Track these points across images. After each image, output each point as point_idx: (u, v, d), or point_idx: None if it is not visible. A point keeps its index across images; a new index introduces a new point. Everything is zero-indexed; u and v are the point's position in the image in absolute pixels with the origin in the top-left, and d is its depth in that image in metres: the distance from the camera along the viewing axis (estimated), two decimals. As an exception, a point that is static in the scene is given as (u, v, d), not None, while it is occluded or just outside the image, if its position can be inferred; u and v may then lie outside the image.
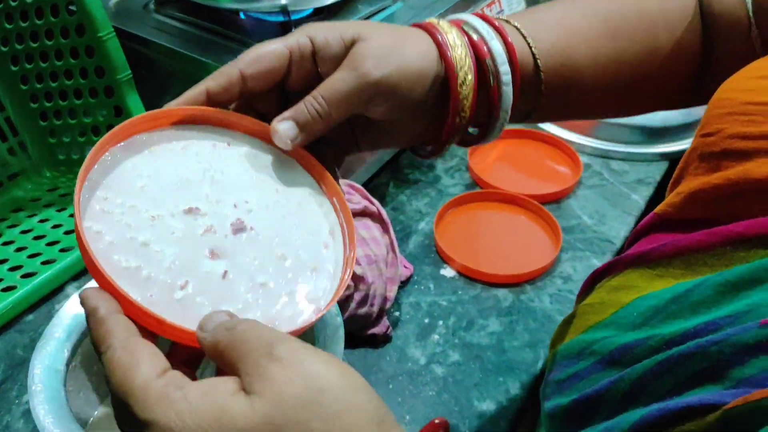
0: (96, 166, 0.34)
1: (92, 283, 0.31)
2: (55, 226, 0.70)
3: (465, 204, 0.76)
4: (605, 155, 0.84)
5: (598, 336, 0.45)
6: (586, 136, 0.85)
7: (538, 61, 0.44)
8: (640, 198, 0.78)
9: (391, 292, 0.62)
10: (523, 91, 0.44)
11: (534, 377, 0.59)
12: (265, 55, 0.38)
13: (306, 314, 0.33)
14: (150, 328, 0.30)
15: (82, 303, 0.30)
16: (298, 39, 0.39)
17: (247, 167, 0.38)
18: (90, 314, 0.30)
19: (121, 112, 0.69)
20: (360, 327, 0.61)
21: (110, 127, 0.71)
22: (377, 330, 0.61)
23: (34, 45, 0.69)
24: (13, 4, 0.67)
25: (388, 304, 0.62)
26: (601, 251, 0.71)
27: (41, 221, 0.71)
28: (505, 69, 0.41)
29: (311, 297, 0.34)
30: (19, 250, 0.67)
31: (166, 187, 0.35)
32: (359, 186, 0.66)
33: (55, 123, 0.74)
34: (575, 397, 0.44)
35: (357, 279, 0.59)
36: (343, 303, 0.59)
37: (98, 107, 0.71)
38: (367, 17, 0.78)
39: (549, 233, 0.72)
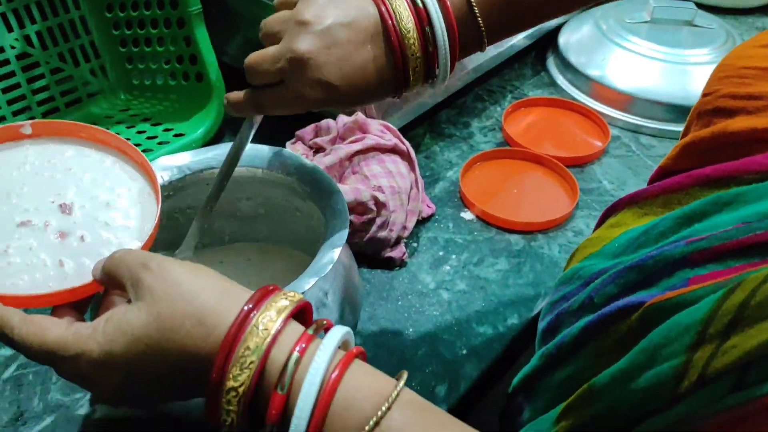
0: None
1: None
2: (124, 139, 0.78)
3: (493, 159, 0.81)
4: (636, 130, 0.88)
5: (587, 264, 0.51)
6: (619, 110, 0.89)
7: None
8: (662, 171, 0.81)
9: (410, 223, 0.69)
10: (463, 47, 0.47)
11: (531, 312, 0.64)
12: None
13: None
14: (32, 306, 0.40)
15: None
16: None
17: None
18: None
19: (189, 43, 0.77)
20: (378, 249, 0.67)
21: (180, 57, 0.80)
22: (394, 254, 0.67)
23: (121, -24, 0.78)
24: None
25: (406, 233, 0.68)
26: (615, 212, 0.75)
27: (112, 134, 0.80)
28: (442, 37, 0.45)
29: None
30: (90, 155, 0.76)
31: None
32: (393, 127, 0.72)
33: (132, 50, 0.83)
34: (554, 314, 0.50)
35: (380, 205, 0.65)
36: (365, 225, 0.65)
37: (170, 37, 0.79)
38: None
39: (567, 190, 0.77)
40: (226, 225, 0.62)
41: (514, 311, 0.64)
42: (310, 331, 0.36)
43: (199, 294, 0.36)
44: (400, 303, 0.64)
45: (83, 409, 0.54)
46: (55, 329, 0.37)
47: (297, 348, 0.34)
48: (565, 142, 0.86)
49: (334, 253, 0.47)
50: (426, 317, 0.63)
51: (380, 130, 0.71)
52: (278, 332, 0.35)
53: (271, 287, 0.38)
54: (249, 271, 0.61)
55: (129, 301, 0.38)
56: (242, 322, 0.35)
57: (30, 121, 0.48)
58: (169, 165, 0.55)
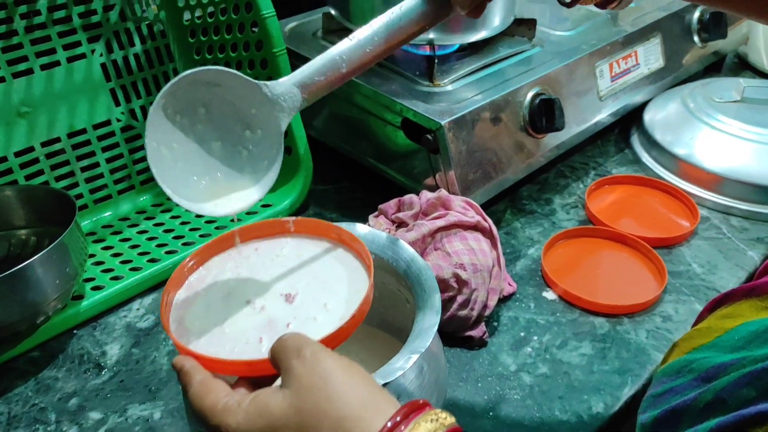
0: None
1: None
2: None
3: (576, 237, 0.80)
4: (726, 211, 0.85)
5: (699, 356, 0.49)
6: (708, 190, 0.86)
7: None
8: (756, 255, 0.78)
9: (492, 301, 0.68)
10: None
11: (618, 401, 0.61)
12: None
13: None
14: (217, 371, 0.42)
15: (174, 364, 0.42)
16: None
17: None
18: (179, 369, 0.41)
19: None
20: (458, 328, 0.66)
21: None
22: (475, 333, 0.66)
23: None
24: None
25: (487, 312, 0.67)
26: (707, 298, 0.72)
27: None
28: None
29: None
30: (183, 223, 0.79)
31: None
32: (475, 203, 0.72)
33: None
34: (665, 408, 0.48)
35: (461, 283, 0.65)
36: (446, 304, 0.65)
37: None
38: (505, 58, 0.86)
39: (654, 273, 0.75)
40: None
41: (600, 399, 0.61)
42: None
43: (345, 395, 0.35)
44: (480, 385, 0.63)
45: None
46: (213, 396, 0.39)
47: None
48: (651, 221, 0.84)
49: (429, 333, 0.47)
50: (507, 402, 0.61)
51: (463, 207, 0.71)
52: None
53: (422, 401, 0.36)
54: (354, 350, 0.62)
55: (281, 386, 0.38)
56: (397, 426, 0.33)
57: (293, 219, 0.54)
58: None
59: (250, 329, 0.46)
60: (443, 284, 0.65)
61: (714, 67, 1.19)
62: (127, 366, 0.65)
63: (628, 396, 0.62)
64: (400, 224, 0.73)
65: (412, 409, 0.35)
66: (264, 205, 0.82)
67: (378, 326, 0.63)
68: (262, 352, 0.44)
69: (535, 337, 0.68)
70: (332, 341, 0.42)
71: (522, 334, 0.68)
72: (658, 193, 0.88)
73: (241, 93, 0.45)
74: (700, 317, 0.57)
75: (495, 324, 0.69)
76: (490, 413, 0.60)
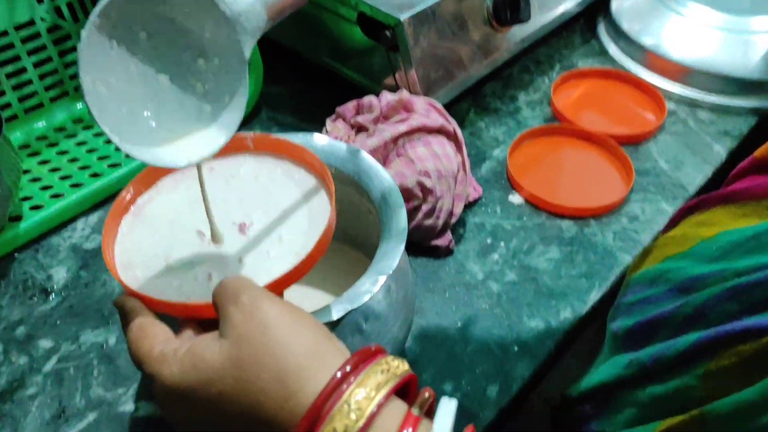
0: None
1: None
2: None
3: (541, 136, 0.77)
4: (693, 104, 0.83)
5: (673, 266, 0.47)
6: (675, 82, 0.83)
7: None
8: (722, 149, 0.77)
9: (457, 209, 0.65)
10: None
11: (586, 305, 0.61)
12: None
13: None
14: (172, 314, 0.39)
15: (114, 304, 0.39)
16: None
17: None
18: (119, 310, 0.39)
19: None
20: (424, 237, 0.64)
21: None
22: (440, 242, 0.64)
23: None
24: None
25: (453, 220, 0.65)
26: (673, 196, 0.71)
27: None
28: None
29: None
30: (108, 142, 0.73)
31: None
32: (439, 104, 0.68)
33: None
34: (639, 320, 0.47)
35: (426, 192, 0.62)
36: (411, 213, 0.62)
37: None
38: None
39: (621, 172, 0.73)
40: None
41: (567, 304, 0.61)
42: (415, 411, 0.31)
43: (287, 346, 0.32)
44: (447, 295, 0.61)
45: (126, 406, 0.53)
46: (149, 341, 0.36)
47: (405, 426, 0.30)
48: (618, 116, 0.81)
49: (396, 252, 0.45)
50: (475, 310, 0.60)
51: (425, 109, 0.67)
52: (373, 414, 0.30)
53: (374, 348, 0.33)
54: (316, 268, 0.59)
55: (219, 335, 0.34)
56: (331, 392, 0.30)
57: (252, 134, 0.49)
58: None
59: (199, 264, 0.42)
60: (407, 193, 0.62)
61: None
62: (75, 290, 0.61)
63: (595, 300, 0.62)
64: (360, 128, 0.69)
65: (362, 359, 0.32)
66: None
67: (341, 240, 0.60)
68: (210, 292, 0.39)
69: (502, 243, 0.66)
70: (283, 283, 0.38)
71: (489, 240, 0.66)
72: (625, 86, 0.85)
73: (191, 11, 0.37)
74: (673, 222, 0.55)
75: (461, 231, 0.67)
76: (459, 324, 0.59)
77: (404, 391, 0.33)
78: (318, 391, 0.30)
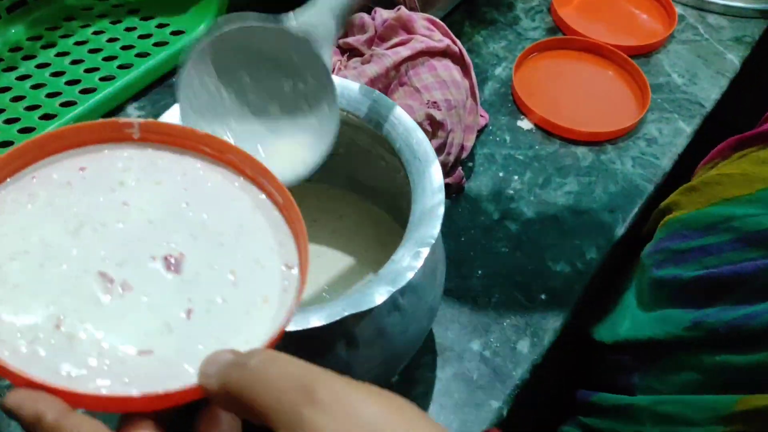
0: None
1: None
2: (111, 40, 0.65)
3: (546, 51, 0.70)
4: (701, 7, 0.76)
5: (738, 212, 0.42)
6: (683, -17, 0.77)
7: None
8: (735, 58, 0.71)
9: (469, 141, 0.59)
10: None
11: (611, 243, 0.57)
12: None
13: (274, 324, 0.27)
14: (95, 409, 0.24)
15: (17, 412, 0.23)
16: None
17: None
18: (17, 416, 0.23)
19: None
20: (434, 176, 0.58)
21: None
22: (451, 180, 0.58)
23: None
24: None
25: (465, 154, 0.59)
26: (690, 114, 0.66)
27: (95, 33, 0.66)
28: None
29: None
30: (75, 62, 0.63)
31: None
32: (440, 22, 0.60)
33: None
34: (700, 273, 0.42)
35: (436, 125, 0.55)
36: (420, 149, 0.56)
37: None
38: None
39: (635, 90, 0.67)
40: None
41: (591, 243, 0.56)
42: None
43: None
44: (463, 239, 0.56)
45: None
46: None
47: None
48: (625, 24, 0.74)
49: (435, 215, 0.38)
50: (495, 256, 0.55)
51: (427, 28, 0.59)
52: None
53: None
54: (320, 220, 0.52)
55: None
56: None
57: (139, 120, 0.31)
58: None
59: (118, 334, 0.26)
60: (416, 128, 0.55)
61: None
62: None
63: (621, 236, 0.57)
64: (351, 51, 0.61)
65: None
66: (175, 32, 0.66)
67: (345, 187, 0.53)
68: (158, 369, 0.25)
69: (516, 177, 0.61)
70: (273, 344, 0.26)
71: (501, 174, 0.61)
72: (629, -11, 0.78)
73: (274, 41, 0.35)
74: (720, 154, 0.50)
75: (470, 165, 0.61)
76: (479, 272, 0.54)
77: None
78: None
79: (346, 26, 0.62)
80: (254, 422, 0.22)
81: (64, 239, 0.27)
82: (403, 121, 0.44)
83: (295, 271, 0.30)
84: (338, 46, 0.61)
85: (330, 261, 0.50)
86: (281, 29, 0.35)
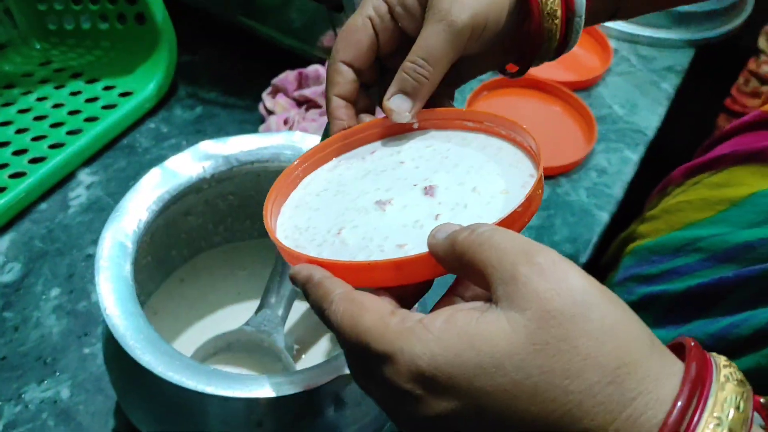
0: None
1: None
2: (56, 106, 0.63)
3: (495, 89, 0.72)
4: (633, 40, 0.80)
5: (703, 233, 0.44)
6: (613, 18, 0.81)
7: None
8: (669, 86, 0.75)
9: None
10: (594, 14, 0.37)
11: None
12: (353, 37, 0.36)
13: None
14: (364, 285, 0.29)
15: (294, 277, 0.30)
16: (373, 4, 0.35)
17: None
18: (306, 282, 0.29)
19: (124, -23, 0.62)
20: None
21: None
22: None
23: None
24: None
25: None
26: (635, 143, 0.69)
27: (39, 99, 0.64)
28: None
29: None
30: (20, 132, 0.61)
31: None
32: (395, 70, 0.61)
33: (45, -13, 0.66)
34: (683, 289, 0.44)
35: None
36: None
37: (98, -30, 0.63)
38: None
39: (582, 123, 0.70)
40: None
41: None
42: None
43: (618, 334, 0.22)
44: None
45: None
46: (373, 313, 0.26)
47: None
48: (566, 61, 0.76)
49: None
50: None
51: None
52: None
53: (706, 358, 0.23)
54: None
55: (484, 304, 0.24)
56: (688, 404, 0.21)
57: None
58: (214, 153, 0.44)
59: (382, 235, 0.33)
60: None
61: None
62: (4, 337, 0.51)
63: (583, 265, 0.59)
64: (307, 103, 0.61)
65: (701, 373, 0.22)
66: (123, 94, 0.65)
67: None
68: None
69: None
70: (513, 223, 0.29)
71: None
72: (564, 26, 0.81)
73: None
74: (672, 181, 0.53)
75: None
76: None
77: None
78: (668, 410, 0.21)
79: (302, 79, 0.62)
80: (471, 281, 0.26)
81: (354, 180, 0.37)
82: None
83: (534, 177, 0.33)
84: (295, 99, 0.62)
85: (309, 315, 0.49)
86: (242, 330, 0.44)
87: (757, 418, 0.23)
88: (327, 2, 0.61)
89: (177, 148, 0.63)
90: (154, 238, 0.44)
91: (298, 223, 0.35)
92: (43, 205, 0.58)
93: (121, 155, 0.62)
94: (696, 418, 0.21)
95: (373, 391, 0.27)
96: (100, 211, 0.58)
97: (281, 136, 0.45)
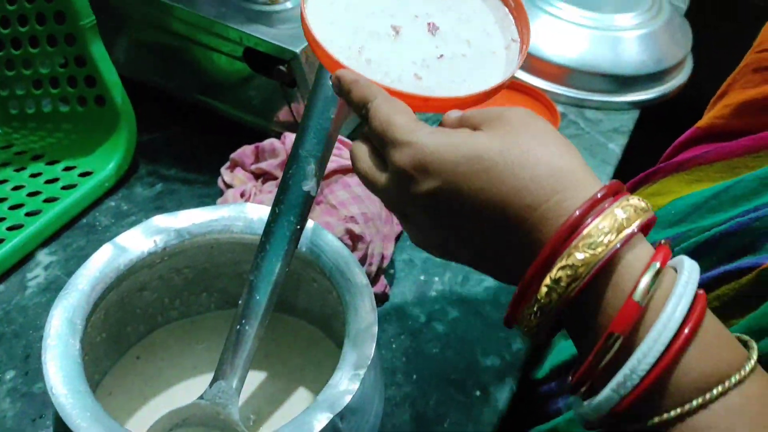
0: None
1: None
2: (16, 188, 0.64)
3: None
4: (580, 104, 0.84)
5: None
6: (560, 84, 0.84)
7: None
8: (616, 147, 0.78)
9: (388, 250, 0.61)
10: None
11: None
12: None
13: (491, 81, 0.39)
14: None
15: (341, 76, 0.36)
16: None
17: None
18: (353, 82, 0.36)
19: (84, 62, 0.64)
20: (359, 287, 0.59)
21: (71, 77, 0.65)
22: (376, 289, 0.59)
23: (-19, -13, 0.62)
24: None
25: (386, 262, 0.60)
26: (586, 202, 0.71)
27: (-1, 182, 0.65)
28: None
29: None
30: (-21, 215, 0.61)
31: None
32: (348, 140, 0.64)
33: (6, 73, 0.67)
34: None
35: (355, 238, 0.57)
36: (342, 263, 0.57)
37: (57, 57, 0.65)
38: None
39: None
40: (231, 285, 0.51)
41: (516, 335, 0.58)
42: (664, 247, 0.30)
43: (564, 152, 0.32)
44: (395, 346, 0.57)
45: None
46: (405, 115, 0.34)
47: (656, 257, 0.29)
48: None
49: (369, 336, 0.40)
50: (427, 358, 0.56)
51: (336, 147, 0.62)
52: (631, 235, 0.29)
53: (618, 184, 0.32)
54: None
55: (473, 130, 0.34)
56: (598, 203, 0.30)
57: None
58: (166, 227, 0.45)
59: (399, 63, 0.39)
60: (336, 244, 0.56)
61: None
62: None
63: (542, 323, 0.60)
64: (264, 176, 0.63)
65: (617, 189, 0.31)
66: (83, 174, 0.66)
67: (278, 310, 0.53)
68: (418, 89, 0.37)
69: (436, 278, 0.63)
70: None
71: (422, 277, 0.63)
72: (515, 93, 0.85)
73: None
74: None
75: (392, 272, 0.63)
76: (414, 376, 0.55)
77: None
78: (589, 197, 0.30)
79: (258, 153, 0.64)
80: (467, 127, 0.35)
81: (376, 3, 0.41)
82: (332, 245, 0.45)
83: (517, 43, 0.41)
84: (252, 172, 0.63)
85: (266, 383, 0.49)
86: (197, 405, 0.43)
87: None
88: (281, 79, 0.64)
89: (137, 225, 0.64)
90: (108, 315, 0.45)
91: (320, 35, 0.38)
92: (1, 288, 0.58)
93: (80, 234, 0.63)
94: (608, 205, 0.30)
95: (379, 177, 0.36)
96: (58, 290, 0.57)
97: (232, 208, 0.46)
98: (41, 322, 0.56)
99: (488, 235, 0.33)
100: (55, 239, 0.62)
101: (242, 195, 0.60)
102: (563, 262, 0.29)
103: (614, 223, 0.29)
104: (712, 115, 0.52)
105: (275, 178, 0.61)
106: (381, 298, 0.60)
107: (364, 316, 0.41)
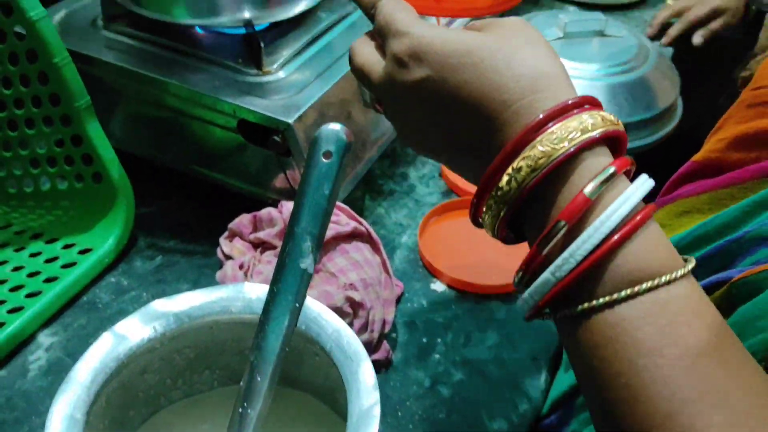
0: None
1: None
2: (16, 269, 0.64)
3: (445, 213, 0.75)
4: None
5: None
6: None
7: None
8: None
9: (389, 315, 0.61)
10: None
11: (539, 390, 0.59)
12: None
13: None
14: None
15: None
16: None
17: None
18: None
19: (80, 141, 0.65)
20: (362, 354, 0.59)
21: (68, 156, 0.66)
22: (378, 356, 0.59)
23: (-22, 74, 0.63)
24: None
25: (387, 328, 0.60)
26: (584, 253, 0.71)
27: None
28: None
29: None
30: (-21, 298, 0.61)
31: None
32: (345, 206, 0.64)
33: (3, 154, 0.68)
34: None
35: (356, 305, 0.57)
36: (344, 331, 0.57)
37: (54, 136, 0.66)
38: (331, 27, 0.76)
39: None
40: (233, 362, 0.51)
41: (522, 395, 0.58)
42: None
43: (549, 61, 0.35)
44: (400, 414, 0.57)
45: None
46: (408, 12, 0.38)
47: (613, 163, 0.31)
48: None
49: (372, 416, 0.39)
50: (433, 423, 0.56)
51: (333, 214, 0.63)
52: (594, 139, 0.32)
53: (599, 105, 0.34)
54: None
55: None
56: (569, 107, 0.32)
57: None
58: (164, 311, 0.45)
59: None
60: (337, 312, 0.56)
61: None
62: None
63: (547, 382, 0.59)
64: (263, 245, 0.63)
65: (590, 101, 0.34)
66: (82, 252, 0.66)
67: (282, 384, 0.53)
68: None
69: (439, 340, 0.62)
70: None
71: (424, 339, 0.63)
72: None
73: None
74: None
75: (393, 336, 0.63)
76: (421, 444, 0.54)
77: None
78: (562, 101, 0.33)
79: (256, 222, 0.64)
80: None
81: None
82: (332, 323, 0.45)
83: None
84: (250, 242, 0.63)
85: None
86: None
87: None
88: (276, 150, 0.64)
89: (137, 301, 0.64)
90: (110, 401, 0.44)
91: None
92: (2, 372, 0.58)
93: (81, 313, 0.63)
94: (572, 113, 0.32)
95: (377, 69, 0.39)
96: (60, 372, 0.58)
97: (231, 288, 0.46)
98: (44, 406, 0.56)
99: (464, 128, 0.36)
100: (55, 319, 0.62)
101: (241, 267, 0.60)
102: (525, 153, 0.32)
103: (580, 125, 0.31)
104: (707, 148, 0.55)
105: (274, 248, 0.61)
106: (384, 364, 0.60)
107: (366, 397, 0.40)
